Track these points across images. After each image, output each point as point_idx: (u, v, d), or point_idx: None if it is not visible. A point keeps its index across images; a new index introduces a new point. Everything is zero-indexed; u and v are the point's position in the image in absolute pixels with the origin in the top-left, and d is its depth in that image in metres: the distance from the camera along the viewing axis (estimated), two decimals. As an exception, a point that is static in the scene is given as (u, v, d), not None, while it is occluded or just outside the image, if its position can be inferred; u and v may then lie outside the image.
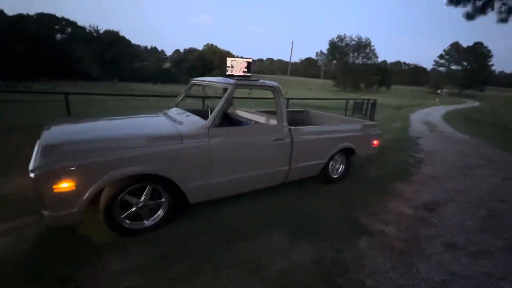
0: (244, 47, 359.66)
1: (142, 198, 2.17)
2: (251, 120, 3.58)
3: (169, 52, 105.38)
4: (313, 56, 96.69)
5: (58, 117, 6.49)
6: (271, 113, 3.70)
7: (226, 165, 2.49)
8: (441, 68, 65.83)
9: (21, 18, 36.99)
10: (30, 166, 1.75)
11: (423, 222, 2.73)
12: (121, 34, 41.49)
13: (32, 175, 1.71)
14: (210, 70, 56.59)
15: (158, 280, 1.74)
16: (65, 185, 1.78)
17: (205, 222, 2.47)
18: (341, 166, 3.72)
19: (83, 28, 40.48)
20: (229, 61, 2.82)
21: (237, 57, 2.84)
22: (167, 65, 66.61)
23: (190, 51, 66.38)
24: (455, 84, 61.37)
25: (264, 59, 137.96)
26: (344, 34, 60.64)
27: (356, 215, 2.78)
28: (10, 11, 40.54)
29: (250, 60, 2.84)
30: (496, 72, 70.02)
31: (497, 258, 2.20)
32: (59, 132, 2.23)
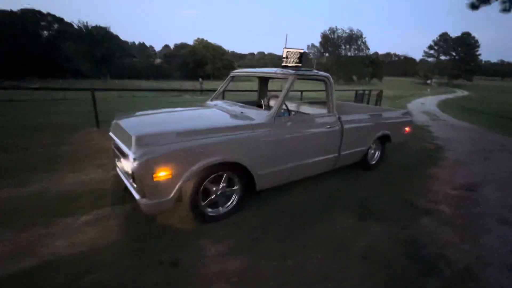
0: (233, 41, 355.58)
1: (221, 186, 2.26)
2: (292, 111, 3.67)
3: (157, 48, 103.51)
4: (305, 49, 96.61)
5: (69, 114, 6.41)
6: (314, 103, 3.82)
7: (289, 152, 2.59)
8: (430, 59, 67.10)
9: (3, 15, 35.51)
10: (131, 156, 1.80)
11: (470, 201, 2.92)
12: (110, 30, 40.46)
13: (135, 164, 1.77)
14: (203, 65, 55.93)
15: (258, 261, 1.84)
16: (163, 174, 1.85)
17: (271, 208, 2.57)
18: (377, 153, 3.88)
19: (70, 24, 39.23)
20: (284, 52, 2.89)
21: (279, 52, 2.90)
22: (157, 61, 65.50)
23: (182, 46, 65.25)
24: (444, 74, 62.81)
25: (255, 52, 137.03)
26: (336, 27, 60.79)
27: (406, 197, 2.94)
28: (-9, 7, 38.90)
29: (302, 51, 2.92)
30: (483, 62, 71.80)
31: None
32: (143, 123, 2.28)
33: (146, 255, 1.85)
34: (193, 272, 1.71)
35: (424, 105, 16.59)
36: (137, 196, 1.92)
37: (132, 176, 1.86)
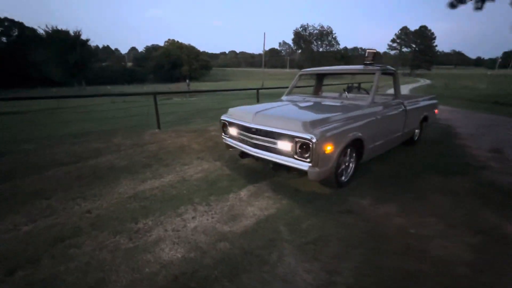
0: (204, 41, 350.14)
1: (347, 158, 2.92)
2: None
3: (123, 51, 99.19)
4: (277, 46, 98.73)
5: (95, 121, 6.52)
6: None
7: (383, 129, 3.31)
8: (393, 52, 72.23)
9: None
10: (309, 136, 2.38)
11: (503, 159, 3.88)
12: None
13: (315, 141, 2.36)
14: (179, 66, 54.93)
15: (405, 205, 2.53)
16: (329, 148, 2.47)
17: (372, 175, 3.28)
18: (417, 131, 4.75)
19: (33, 29, 36.44)
20: (366, 52, 3.60)
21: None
22: (129, 64, 62.95)
23: (153, 48, 63.31)
24: (407, 65, 68.05)
25: (227, 52, 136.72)
26: (307, 24, 62.98)
27: (460, 160, 3.83)
28: None
29: (375, 51, 3.65)
30: (438, 52, 78.93)
31: None
32: (294, 113, 2.86)
33: (324, 209, 2.45)
34: (368, 214, 2.37)
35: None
36: (305, 167, 2.50)
37: (306, 151, 2.44)
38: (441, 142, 4.86)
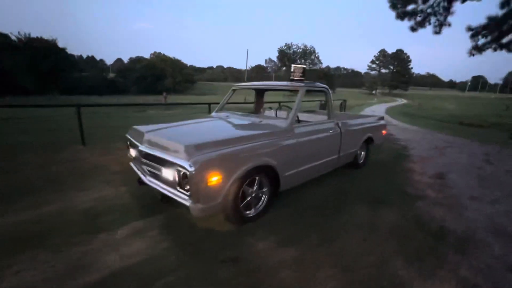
0: (191, 55, 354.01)
1: (255, 188, 2.47)
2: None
3: (109, 62, 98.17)
4: (263, 63, 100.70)
5: (29, 134, 5.88)
6: (307, 112, 4.24)
7: (305, 154, 2.92)
8: (373, 72, 75.46)
9: None
10: (186, 164, 1.92)
11: (444, 186, 3.57)
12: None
13: (191, 170, 1.89)
14: (162, 79, 54.31)
15: (308, 249, 2.09)
16: (215, 179, 2.01)
17: (295, 205, 2.84)
18: (363, 153, 4.44)
19: (6, 36, 34.97)
20: (293, 67, 3.27)
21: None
22: (111, 75, 61.77)
23: (137, 60, 62.60)
24: (385, 85, 71.00)
25: (214, 66, 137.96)
26: (291, 42, 64.93)
27: (398, 187, 3.49)
28: None
29: (305, 67, 3.34)
30: (414, 74, 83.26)
31: (506, 203, 3.10)
32: (183, 135, 2.40)
33: (205, 256, 1.96)
34: (256, 264, 1.88)
35: (375, 113, 18.67)
36: (187, 203, 2.02)
37: (187, 182, 1.97)
38: (388, 166, 4.56)
